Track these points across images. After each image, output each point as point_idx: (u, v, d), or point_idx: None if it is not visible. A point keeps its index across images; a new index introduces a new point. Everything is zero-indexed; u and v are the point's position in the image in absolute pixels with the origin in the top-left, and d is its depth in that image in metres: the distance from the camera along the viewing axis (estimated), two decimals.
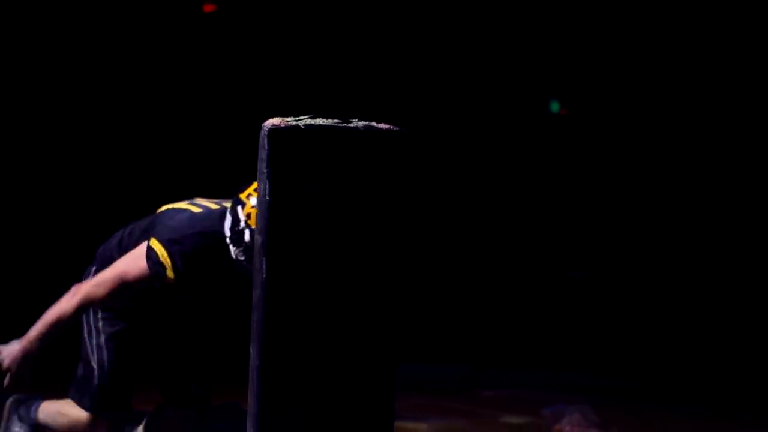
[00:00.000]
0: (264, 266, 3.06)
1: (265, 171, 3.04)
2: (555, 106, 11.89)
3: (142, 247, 3.79)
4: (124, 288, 3.79)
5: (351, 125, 3.10)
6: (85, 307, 3.84)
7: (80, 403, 4.02)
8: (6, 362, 3.86)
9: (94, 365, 3.98)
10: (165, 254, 3.72)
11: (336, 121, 3.11)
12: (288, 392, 3.06)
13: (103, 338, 3.98)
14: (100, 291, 3.80)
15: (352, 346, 3.11)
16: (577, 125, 11.80)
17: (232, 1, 10.75)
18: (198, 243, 3.74)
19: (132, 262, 3.77)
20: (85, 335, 4.04)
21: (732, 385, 8.59)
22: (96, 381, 3.97)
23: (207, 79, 10.53)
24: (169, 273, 3.71)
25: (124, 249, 3.95)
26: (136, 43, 10.39)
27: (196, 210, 3.85)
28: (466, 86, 11.33)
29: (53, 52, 10.20)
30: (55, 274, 9.81)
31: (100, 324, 3.99)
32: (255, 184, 3.72)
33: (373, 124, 3.13)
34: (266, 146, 3.03)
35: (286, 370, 3.07)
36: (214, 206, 3.87)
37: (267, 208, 3.04)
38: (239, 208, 3.75)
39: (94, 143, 10.41)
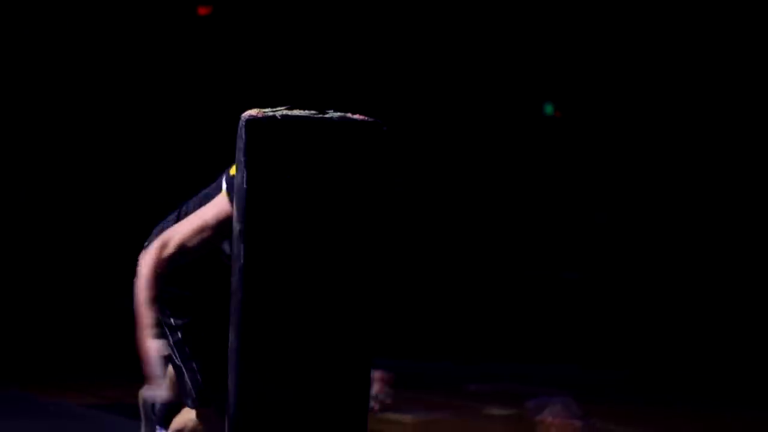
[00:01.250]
0: (242, 253, 3.13)
1: (242, 160, 3.10)
2: (549, 109, 11.93)
3: (219, 196, 3.48)
4: (202, 231, 3.45)
5: (326, 116, 3.16)
6: (162, 260, 3.46)
7: (186, 404, 3.78)
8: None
9: (179, 363, 3.74)
10: None
11: (312, 112, 3.18)
12: (265, 374, 3.11)
13: (179, 334, 3.73)
14: (177, 240, 3.45)
15: (327, 330, 3.18)
16: (571, 128, 11.85)
17: (226, 4, 10.82)
18: None
19: (209, 206, 3.47)
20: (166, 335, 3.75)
21: (714, 379, 8.68)
22: (187, 378, 3.73)
23: (200, 79, 10.59)
24: None
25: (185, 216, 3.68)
26: (128, 45, 10.44)
27: None
28: (462, 89, 11.38)
29: (34, 55, 10.24)
30: (36, 275, 9.93)
31: (171, 321, 3.73)
32: None
33: (348, 115, 3.19)
34: (243, 136, 3.09)
35: (262, 353, 3.13)
36: None
37: (244, 196, 3.11)
38: None
39: (76, 145, 10.45)
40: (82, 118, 10.46)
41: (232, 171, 3.38)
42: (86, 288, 9.94)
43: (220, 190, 3.53)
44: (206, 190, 3.70)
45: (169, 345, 3.72)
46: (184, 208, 3.77)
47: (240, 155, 3.11)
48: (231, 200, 3.37)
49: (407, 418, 6.00)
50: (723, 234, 10.99)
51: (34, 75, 10.29)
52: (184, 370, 3.72)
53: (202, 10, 10.84)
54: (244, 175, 3.08)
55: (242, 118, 3.11)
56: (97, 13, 10.27)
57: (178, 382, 3.77)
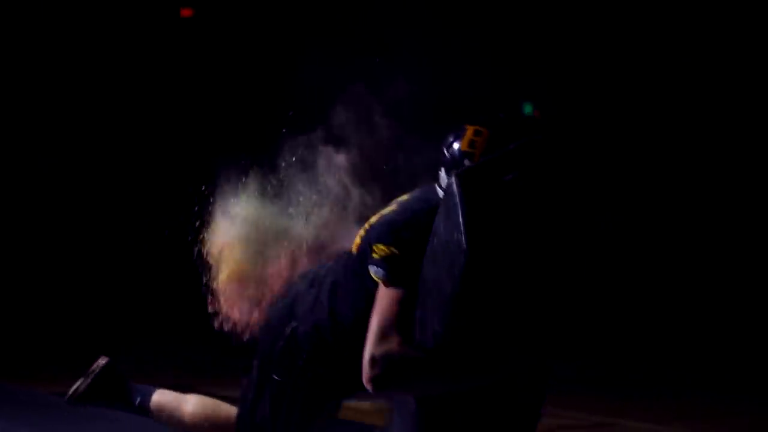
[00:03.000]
0: None
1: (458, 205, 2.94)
2: (528, 109, 12.00)
3: (380, 290, 3.02)
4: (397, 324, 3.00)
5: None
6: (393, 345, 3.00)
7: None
8: None
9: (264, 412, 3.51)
10: (387, 248, 3.03)
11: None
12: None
13: (300, 383, 3.43)
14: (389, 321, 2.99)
15: None
16: (551, 128, 11.90)
17: (208, 6, 10.92)
18: (416, 210, 3.11)
19: (379, 305, 3.02)
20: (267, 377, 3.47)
21: (693, 376, 8.80)
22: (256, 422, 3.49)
23: (183, 80, 10.69)
24: (394, 249, 3.02)
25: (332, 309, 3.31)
26: (112, 46, 10.54)
27: (402, 199, 3.20)
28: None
29: (21, 57, 10.34)
30: (6, 265, 10.00)
31: (311, 370, 3.41)
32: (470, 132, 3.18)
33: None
34: (456, 189, 2.96)
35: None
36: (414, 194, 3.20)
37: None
38: (452, 149, 3.16)
39: (54, 147, 10.56)
40: (79, 118, 10.55)
41: (376, 249, 3.05)
42: (56, 279, 10.04)
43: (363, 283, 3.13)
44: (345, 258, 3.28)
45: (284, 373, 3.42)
46: (307, 290, 3.38)
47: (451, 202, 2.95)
48: (395, 284, 3.00)
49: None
50: (702, 232, 11.09)
51: (21, 76, 10.39)
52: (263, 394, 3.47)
53: (185, 12, 10.94)
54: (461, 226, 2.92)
55: (451, 176, 2.99)
56: (76, 14, 10.37)
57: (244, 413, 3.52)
